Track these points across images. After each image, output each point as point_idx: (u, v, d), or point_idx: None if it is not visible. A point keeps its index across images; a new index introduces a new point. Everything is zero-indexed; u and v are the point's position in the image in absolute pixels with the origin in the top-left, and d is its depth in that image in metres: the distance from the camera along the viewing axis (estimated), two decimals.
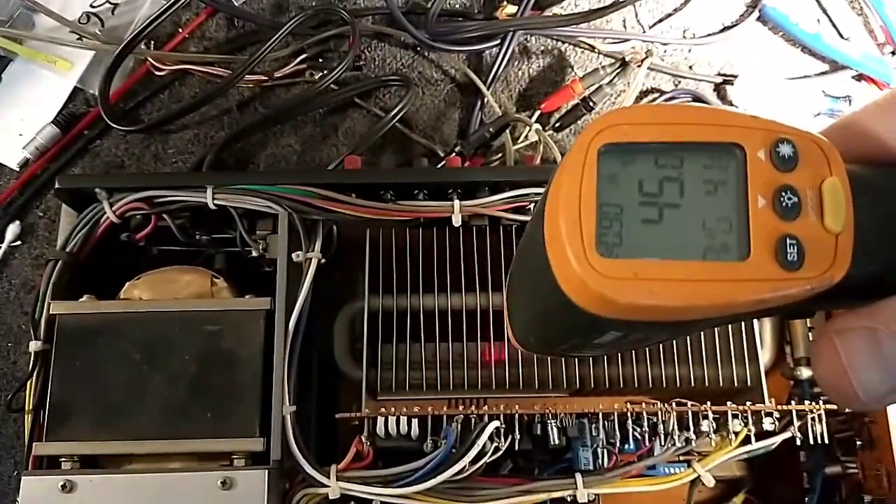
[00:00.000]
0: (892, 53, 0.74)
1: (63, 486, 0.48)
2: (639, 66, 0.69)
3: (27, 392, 0.52)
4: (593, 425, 0.53)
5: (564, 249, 0.22)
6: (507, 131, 0.67)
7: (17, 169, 0.69)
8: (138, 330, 0.52)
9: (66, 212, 0.57)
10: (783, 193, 0.22)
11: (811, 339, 0.56)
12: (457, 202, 0.55)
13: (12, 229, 0.67)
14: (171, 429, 0.50)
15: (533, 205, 0.57)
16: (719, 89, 0.74)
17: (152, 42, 0.72)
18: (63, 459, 0.49)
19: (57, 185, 0.55)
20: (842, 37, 0.75)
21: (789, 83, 0.74)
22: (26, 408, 0.51)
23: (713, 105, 0.72)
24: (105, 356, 0.51)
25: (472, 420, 0.51)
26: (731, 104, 0.73)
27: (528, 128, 0.66)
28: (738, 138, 0.23)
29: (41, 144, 0.69)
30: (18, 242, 0.67)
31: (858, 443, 0.53)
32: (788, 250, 0.21)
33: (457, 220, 0.55)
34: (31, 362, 0.52)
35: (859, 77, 0.74)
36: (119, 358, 0.51)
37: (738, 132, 0.23)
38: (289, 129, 0.71)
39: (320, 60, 0.72)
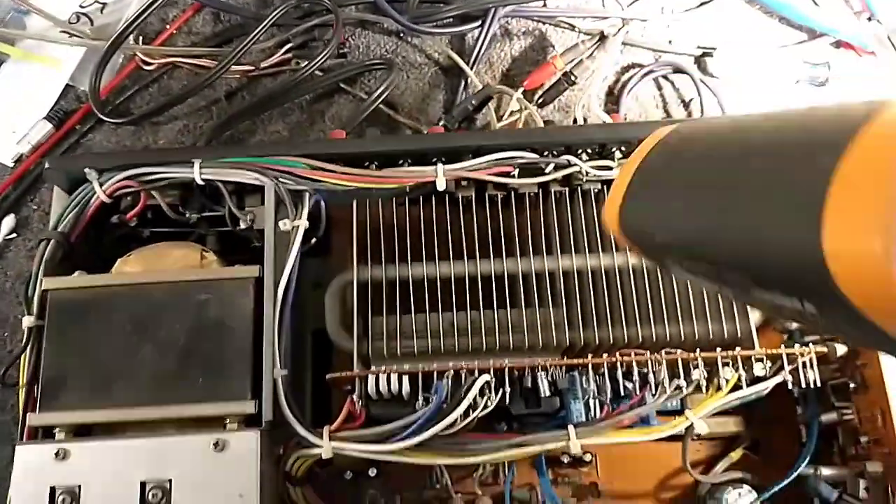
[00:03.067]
0: (868, 20, 0.75)
1: (57, 454, 0.48)
2: (615, 37, 0.70)
3: (21, 367, 0.52)
4: (584, 377, 0.53)
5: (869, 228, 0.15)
6: (492, 108, 0.68)
7: (12, 164, 0.70)
8: (129, 302, 0.52)
9: (58, 194, 0.58)
10: None
11: None
12: (440, 166, 0.56)
13: (7, 222, 0.68)
14: (164, 396, 0.50)
15: (516, 170, 0.58)
16: (699, 62, 0.75)
17: (141, 38, 0.73)
18: (57, 430, 0.50)
19: (46, 166, 0.56)
20: (815, 3, 0.76)
21: (768, 52, 0.75)
22: (20, 382, 0.52)
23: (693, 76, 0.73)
24: (97, 329, 0.52)
25: (463, 375, 0.51)
26: (711, 76, 0.74)
27: (511, 99, 0.67)
28: None
29: (34, 140, 0.70)
30: (14, 235, 0.69)
31: (852, 386, 0.53)
32: None
33: (441, 184, 0.56)
34: (24, 338, 0.52)
35: (837, 44, 0.76)
36: (111, 330, 0.52)
37: None
38: (277, 116, 0.72)
39: (306, 49, 0.73)
